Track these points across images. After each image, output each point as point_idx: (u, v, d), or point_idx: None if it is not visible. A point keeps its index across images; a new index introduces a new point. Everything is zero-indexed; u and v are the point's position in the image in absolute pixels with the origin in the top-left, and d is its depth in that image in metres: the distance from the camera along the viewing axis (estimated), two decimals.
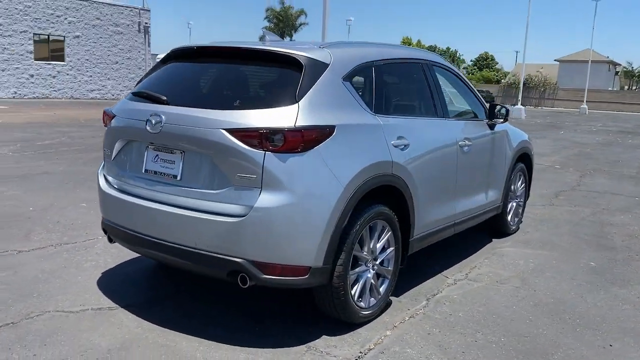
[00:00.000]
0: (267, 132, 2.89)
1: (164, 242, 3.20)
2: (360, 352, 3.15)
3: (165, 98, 3.24)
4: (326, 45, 3.46)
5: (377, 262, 3.55)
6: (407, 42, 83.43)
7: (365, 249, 3.43)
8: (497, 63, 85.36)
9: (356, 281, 3.41)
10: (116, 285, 3.98)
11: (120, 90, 30.10)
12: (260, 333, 3.33)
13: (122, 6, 30.56)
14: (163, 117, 3.15)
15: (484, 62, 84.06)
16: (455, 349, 3.24)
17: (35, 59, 27.15)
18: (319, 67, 3.22)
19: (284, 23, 55.77)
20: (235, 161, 2.94)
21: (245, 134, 2.91)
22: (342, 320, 3.41)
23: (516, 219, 5.82)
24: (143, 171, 3.33)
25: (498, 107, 4.89)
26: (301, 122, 2.97)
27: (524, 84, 59.91)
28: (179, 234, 3.13)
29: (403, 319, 3.62)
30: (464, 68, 77.99)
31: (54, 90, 27.95)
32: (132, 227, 3.38)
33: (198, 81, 3.53)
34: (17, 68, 26.51)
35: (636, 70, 73.10)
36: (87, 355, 2.98)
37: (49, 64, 27.72)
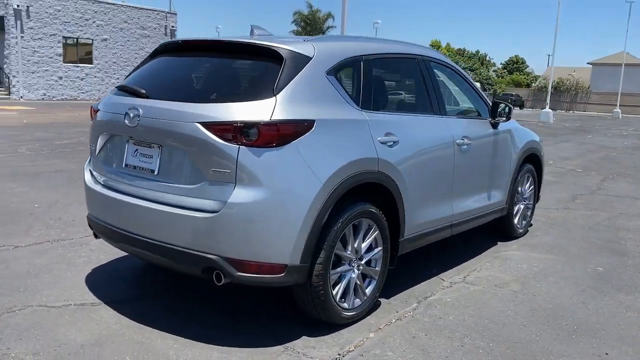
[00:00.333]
0: (242, 126, 2.82)
1: (141, 238, 3.15)
2: (339, 354, 3.05)
3: (144, 91, 3.20)
4: (312, 39, 3.38)
5: (363, 262, 3.44)
6: (435, 45, 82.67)
7: (349, 248, 3.32)
8: (528, 66, 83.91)
9: (338, 281, 3.31)
10: (104, 281, 3.96)
11: None
12: (238, 332, 3.26)
13: (149, 9, 31.07)
14: (141, 110, 3.11)
15: (514, 65, 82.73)
16: (439, 353, 3.11)
17: (64, 62, 27.75)
18: (300, 61, 3.13)
19: (311, 26, 55.89)
20: (210, 155, 2.88)
21: (219, 128, 2.85)
22: (324, 321, 3.31)
23: (524, 222, 5.63)
24: (123, 166, 3.30)
25: (502, 105, 4.73)
26: (278, 116, 2.89)
27: (555, 88, 59.01)
28: (155, 229, 3.08)
29: (389, 321, 3.50)
30: (493, 71, 76.86)
31: (82, 92, 28.53)
32: (113, 223, 3.35)
33: (180, 75, 3.48)
34: (46, 70, 27.15)
35: None
36: (60, 350, 2.95)
37: (77, 66, 28.32)
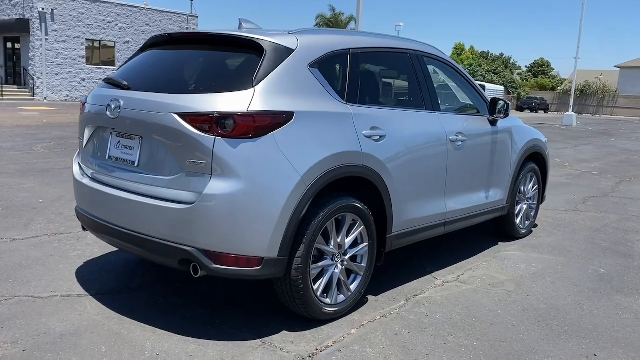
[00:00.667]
0: (218, 117, 2.81)
1: (122, 230, 3.16)
2: (316, 349, 3.01)
3: (126, 83, 3.22)
4: (297, 32, 3.35)
5: (347, 258, 3.40)
6: (459, 48, 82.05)
7: (332, 242, 3.28)
8: (553, 69, 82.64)
9: (320, 276, 3.27)
10: (94, 274, 3.99)
11: None
12: (219, 325, 3.24)
13: (171, 12, 31.43)
14: (121, 102, 3.13)
15: (539, 68, 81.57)
16: (419, 350, 3.05)
17: (87, 64, 28.22)
18: (281, 53, 3.11)
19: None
20: (186, 146, 2.87)
21: (196, 118, 2.84)
22: (306, 317, 3.27)
23: (527, 222, 5.51)
24: (107, 158, 3.32)
25: (500, 102, 4.63)
26: (255, 107, 2.87)
27: (582, 91, 57.99)
28: (135, 221, 3.09)
29: (374, 318, 3.45)
30: (517, 74, 75.87)
31: None
32: (97, 215, 3.37)
33: (164, 67, 3.48)
34: (69, 72, 27.66)
35: None
36: (39, 339, 2.97)
37: (100, 68, 28.79)
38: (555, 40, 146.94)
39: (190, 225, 2.88)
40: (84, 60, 28.26)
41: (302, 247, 3.06)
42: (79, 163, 3.67)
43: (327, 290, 3.32)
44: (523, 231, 5.44)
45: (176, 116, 2.87)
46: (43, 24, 26.78)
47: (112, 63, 29.28)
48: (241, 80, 2.97)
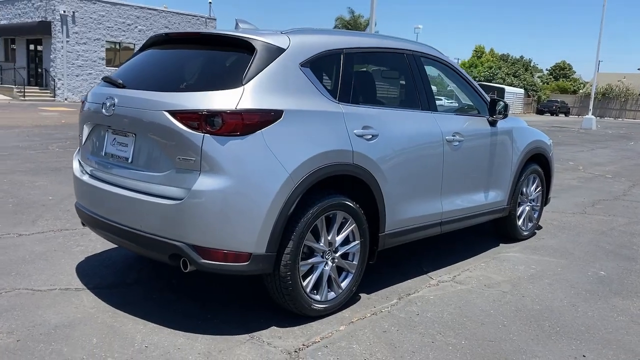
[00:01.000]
0: (206, 114, 2.87)
1: (116, 225, 3.24)
2: (303, 345, 3.05)
3: (121, 82, 3.30)
4: (289, 32, 3.40)
5: (338, 255, 3.43)
6: (479, 51, 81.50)
7: (322, 240, 3.32)
8: (575, 72, 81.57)
9: (310, 272, 3.31)
10: (94, 268, 4.07)
11: None
12: (209, 320, 3.30)
13: (189, 15, 31.77)
14: (116, 99, 3.20)
15: (561, 71, 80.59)
16: (406, 348, 3.07)
17: (107, 65, 28.65)
18: (272, 52, 3.16)
19: None
20: (176, 143, 2.94)
21: (185, 116, 2.90)
22: (295, 313, 3.31)
23: (530, 224, 5.48)
24: (103, 154, 3.40)
25: (500, 103, 4.62)
26: (244, 105, 2.92)
27: (604, 95, 57.12)
28: (127, 216, 3.16)
29: (364, 315, 3.47)
30: (538, 77, 75.05)
31: None
32: (94, 210, 3.45)
33: (160, 66, 3.55)
34: (89, 73, 28.11)
35: None
36: (33, 330, 3.06)
37: None
38: (578, 43, 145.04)
39: (180, 220, 2.94)
40: (104, 62, 28.71)
41: (290, 244, 3.10)
42: (78, 160, 3.76)
43: (317, 287, 3.35)
44: (525, 233, 5.41)
45: (167, 114, 2.94)
46: (64, 27, 27.29)
47: None
48: (231, 78, 3.03)
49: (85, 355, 2.82)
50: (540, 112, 58.89)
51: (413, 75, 4.02)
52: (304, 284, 3.25)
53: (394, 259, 4.54)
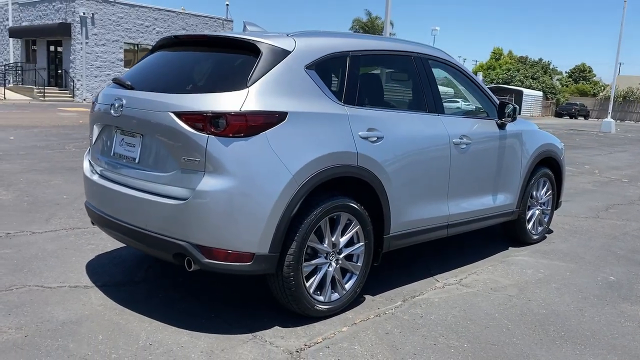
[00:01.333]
0: (211, 116, 2.91)
1: (123, 224, 3.29)
2: (305, 345, 3.07)
3: (129, 83, 3.35)
4: (295, 34, 3.43)
5: (342, 257, 3.45)
6: (497, 53, 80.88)
7: (326, 241, 3.34)
8: (595, 75, 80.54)
9: (313, 273, 3.33)
10: (103, 266, 4.14)
11: None
12: (213, 319, 3.34)
13: (207, 17, 32.00)
14: (124, 101, 3.26)
15: (580, 73, 79.66)
16: (407, 350, 3.08)
17: (125, 67, 28.98)
18: (278, 54, 3.19)
19: (370, 33, 56.05)
20: (181, 144, 2.98)
21: (190, 117, 2.94)
22: (299, 313, 3.33)
23: (540, 228, 5.44)
24: (112, 154, 3.46)
25: (509, 106, 4.60)
26: (248, 107, 2.96)
27: (624, 98, 56.31)
28: (134, 215, 3.22)
29: (368, 316, 3.48)
30: (557, 80, 74.25)
31: None
32: (102, 209, 3.51)
33: (167, 68, 3.60)
34: (108, 74, 28.46)
35: None
36: (41, 326, 3.12)
37: None
38: (598, 45, 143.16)
39: (184, 220, 2.98)
40: (122, 63, 29.06)
41: (294, 245, 3.13)
42: (89, 160, 3.83)
43: (320, 287, 3.37)
44: (535, 237, 5.37)
45: (173, 115, 2.98)
46: (84, 28, 27.69)
47: None
48: (236, 80, 3.07)
49: (91, 351, 2.88)
50: (558, 115, 58.26)
51: (420, 78, 4.02)
52: (307, 284, 3.27)
53: (400, 261, 4.55)
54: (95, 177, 3.61)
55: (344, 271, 3.51)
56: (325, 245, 3.34)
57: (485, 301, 3.85)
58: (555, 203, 5.64)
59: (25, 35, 31.25)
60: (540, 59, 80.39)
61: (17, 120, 16.07)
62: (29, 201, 6.05)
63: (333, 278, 3.42)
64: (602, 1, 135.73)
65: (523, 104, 55.96)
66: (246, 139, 2.94)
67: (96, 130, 3.65)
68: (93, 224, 3.84)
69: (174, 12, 30.74)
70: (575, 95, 68.45)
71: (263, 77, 3.08)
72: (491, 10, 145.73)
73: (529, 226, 5.27)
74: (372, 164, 3.44)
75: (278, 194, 2.99)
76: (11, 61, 31.96)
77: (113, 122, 3.39)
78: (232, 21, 33.26)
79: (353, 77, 3.54)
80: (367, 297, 3.78)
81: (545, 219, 5.53)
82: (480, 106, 4.69)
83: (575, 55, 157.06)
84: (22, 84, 30.26)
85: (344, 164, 3.29)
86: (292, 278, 3.16)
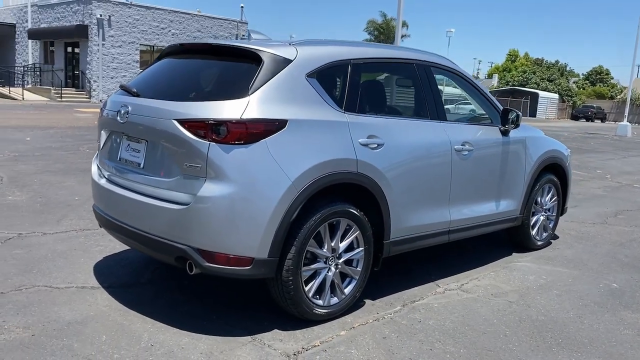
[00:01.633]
0: (213, 123, 2.99)
1: (128, 227, 3.38)
2: (303, 348, 3.13)
3: (135, 90, 3.45)
4: (297, 43, 3.50)
5: (341, 261, 3.50)
6: (513, 55, 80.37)
7: (325, 246, 3.40)
8: (612, 78, 79.62)
9: (312, 278, 3.39)
10: (110, 268, 4.25)
11: None
12: (215, 321, 3.41)
13: (222, 19, 32.23)
14: (130, 107, 3.35)
15: (598, 76, 78.80)
16: (403, 355, 3.13)
17: (141, 68, 29.29)
18: (279, 63, 3.26)
19: (384, 35, 56.05)
20: (184, 150, 3.06)
21: (193, 124, 3.02)
22: (298, 317, 3.40)
23: (545, 234, 5.45)
24: (118, 159, 3.55)
25: (512, 112, 4.63)
26: (249, 115, 3.03)
27: None
28: (139, 219, 3.31)
29: (366, 321, 3.54)
30: (573, 82, 73.53)
31: None
32: (108, 212, 3.61)
33: (172, 75, 3.69)
34: (124, 76, 28.80)
35: None
36: (48, 326, 3.22)
37: None
38: (615, 48, 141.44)
39: (186, 224, 3.07)
40: (138, 64, 29.39)
41: (293, 250, 3.19)
42: (97, 164, 3.93)
43: (320, 291, 3.43)
44: (539, 243, 5.38)
45: (175, 122, 3.07)
46: (100, 30, 28.08)
47: None
48: (238, 88, 3.14)
49: (94, 351, 2.97)
50: (575, 117, 57.72)
51: (422, 85, 4.07)
52: (306, 288, 3.34)
53: (402, 266, 4.59)
54: (103, 181, 3.71)
55: (343, 276, 3.57)
56: (324, 250, 3.40)
57: (484, 307, 3.89)
58: (561, 209, 5.65)
59: (43, 36, 31.76)
60: (557, 61, 79.75)
61: (34, 121, 16.36)
62: (41, 202, 6.19)
63: (332, 282, 3.48)
64: (620, 3, 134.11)
65: (538, 106, 55.52)
66: (246, 146, 3.01)
67: (104, 136, 3.75)
68: (100, 226, 3.94)
69: (189, 14, 31.04)
70: (592, 97, 67.77)
71: (264, 86, 3.15)
72: (508, 12, 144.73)
73: (533, 232, 5.28)
74: (372, 171, 3.49)
75: (277, 200, 3.06)
76: (30, 62, 32.50)
77: (119, 128, 3.49)
78: (246, 23, 33.49)
79: (354, 85, 3.60)
80: (367, 301, 3.83)
81: (550, 225, 5.54)
82: (484, 113, 4.73)
83: (592, 58, 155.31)
84: (40, 85, 30.74)
85: (343, 171, 3.35)
86: (291, 282, 3.23)
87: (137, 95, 3.43)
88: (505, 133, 4.67)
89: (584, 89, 72.45)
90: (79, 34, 28.48)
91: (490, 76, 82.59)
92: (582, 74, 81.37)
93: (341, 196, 3.45)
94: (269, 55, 3.26)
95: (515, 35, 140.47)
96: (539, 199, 5.26)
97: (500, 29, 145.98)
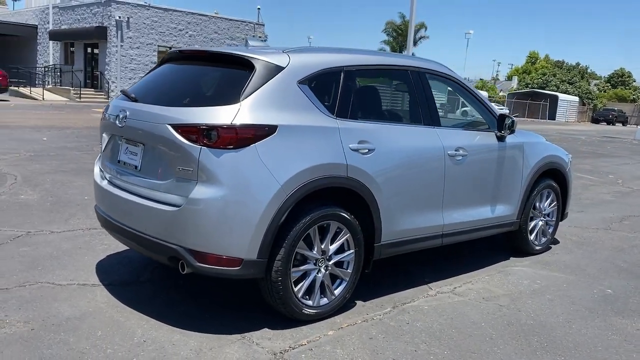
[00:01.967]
0: (204, 128, 3.10)
1: (125, 228, 3.52)
2: (289, 347, 3.23)
3: (133, 95, 3.58)
4: (291, 50, 3.60)
5: (331, 263, 3.59)
6: (533, 57, 79.66)
7: (315, 248, 3.49)
8: (634, 80, 78.40)
9: (302, 279, 3.49)
10: (112, 266, 4.39)
11: None
12: (207, 319, 3.52)
13: (239, 21, 32.51)
14: (128, 112, 3.49)
15: (619, 79, 77.66)
16: (387, 355, 3.21)
17: None
18: (271, 70, 3.37)
19: (403, 36, 55.93)
20: (177, 154, 3.18)
21: (185, 129, 3.14)
22: (288, 317, 3.49)
23: (544, 239, 5.48)
24: (117, 162, 3.69)
25: (507, 118, 4.68)
26: (240, 121, 3.14)
27: None
28: (134, 220, 3.44)
29: (355, 322, 3.62)
30: (594, 85, 72.61)
31: None
32: (108, 213, 3.75)
33: (169, 81, 3.81)
34: (142, 77, 29.11)
35: None
36: (47, 321, 3.36)
37: None
38: (638, 50, 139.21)
39: (178, 225, 3.19)
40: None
41: (282, 251, 3.29)
42: (99, 166, 4.07)
43: (310, 292, 3.53)
44: (538, 247, 5.41)
45: (169, 127, 3.19)
46: (119, 31, 28.53)
47: None
48: (230, 95, 3.25)
49: (89, 345, 3.10)
50: (595, 120, 57.04)
51: (416, 91, 4.14)
52: (296, 289, 3.43)
53: (396, 269, 4.66)
54: (104, 183, 3.85)
55: (333, 277, 3.66)
56: (314, 252, 3.49)
57: (474, 310, 3.95)
58: (561, 214, 5.66)
59: (64, 38, 32.35)
60: (578, 64, 78.84)
61: (52, 121, 16.71)
62: (52, 201, 6.38)
63: (322, 284, 3.57)
64: None
65: (558, 109, 54.96)
66: (237, 151, 3.12)
67: (105, 139, 3.90)
68: (102, 226, 4.08)
69: (206, 16, 31.38)
70: (613, 100, 66.83)
71: (255, 92, 3.25)
72: (528, 13, 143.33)
73: (531, 237, 5.31)
74: (362, 175, 3.58)
75: (266, 203, 3.16)
76: (50, 63, 33.13)
77: (119, 131, 3.63)
78: (263, 25, 33.73)
79: (346, 91, 3.68)
80: (359, 302, 3.91)
81: (550, 230, 5.56)
82: (480, 118, 4.78)
83: (614, 60, 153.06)
84: (60, 85, 31.32)
85: (332, 175, 3.44)
86: (280, 283, 3.33)
87: (135, 100, 3.57)
88: (501, 139, 4.72)
89: (605, 91, 71.49)
90: (99, 35, 28.98)
91: (509, 78, 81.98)
92: (604, 77, 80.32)
93: (332, 200, 3.54)
94: (261, 63, 3.36)
95: (536, 37, 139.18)
96: (537, 204, 5.29)
97: (520, 31, 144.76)
